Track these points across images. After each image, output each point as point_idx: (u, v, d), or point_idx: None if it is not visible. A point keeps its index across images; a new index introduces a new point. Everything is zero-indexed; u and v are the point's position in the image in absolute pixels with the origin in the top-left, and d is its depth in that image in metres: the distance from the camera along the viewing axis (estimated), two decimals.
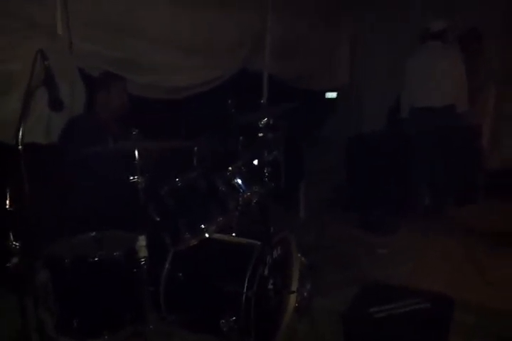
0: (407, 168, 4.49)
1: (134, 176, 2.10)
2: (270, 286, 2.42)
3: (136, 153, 2.08)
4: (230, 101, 2.74)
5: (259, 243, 2.38)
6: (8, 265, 1.97)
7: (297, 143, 4.40)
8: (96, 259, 2.24)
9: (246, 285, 2.21)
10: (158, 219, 2.32)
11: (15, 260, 1.97)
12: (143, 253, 2.15)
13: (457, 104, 4.21)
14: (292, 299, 2.64)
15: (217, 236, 2.49)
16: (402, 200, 4.46)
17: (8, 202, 1.94)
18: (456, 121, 4.25)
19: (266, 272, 2.34)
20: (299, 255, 2.80)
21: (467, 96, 4.23)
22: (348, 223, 4.30)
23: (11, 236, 1.97)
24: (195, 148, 2.61)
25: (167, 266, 2.43)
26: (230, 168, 2.48)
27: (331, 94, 6.25)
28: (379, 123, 5.25)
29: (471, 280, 3.15)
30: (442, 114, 4.21)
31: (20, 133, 1.84)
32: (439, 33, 4.22)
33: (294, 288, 2.65)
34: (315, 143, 5.15)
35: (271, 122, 2.87)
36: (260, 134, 2.83)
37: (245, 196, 2.46)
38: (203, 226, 2.31)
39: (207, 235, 2.38)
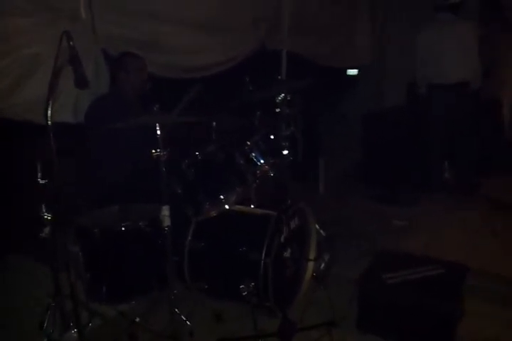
0: (426, 143, 4.49)
1: (156, 150, 2.21)
2: (288, 255, 2.53)
3: (158, 127, 2.18)
4: (247, 79, 2.81)
5: (276, 213, 2.48)
6: (41, 235, 2.12)
7: (316, 119, 4.44)
8: (122, 229, 2.38)
9: (264, 252, 2.33)
10: (179, 191, 2.44)
11: (47, 230, 2.13)
12: (166, 222, 2.26)
13: (471, 80, 4.13)
14: (310, 267, 2.75)
15: (236, 207, 2.61)
16: (420, 174, 4.49)
17: (39, 175, 2.08)
18: (472, 95, 4.19)
19: (283, 241, 2.45)
20: (317, 226, 2.89)
21: (481, 72, 4.14)
22: (366, 197, 4.36)
23: (43, 208, 2.11)
24: (214, 123, 2.70)
25: (190, 235, 2.57)
26: (247, 143, 2.58)
27: (352, 71, 6.23)
28: (399, 99, 5.24)
29: (489, 250, 3.19)
30: (457, 89, 4.15)
31: (49, 111, 1.96)
32: (456, 5, 4.09)
33: (311, 257, 2.76)
34: (335, 120, 5.18)
35: (288, 98, 2.94)
36: (277, 110, 2.90)
37: (263, 169, 2.57)
38: (222, 197, 2.42)
39: (227, 206, 2.50)
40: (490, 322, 2.37)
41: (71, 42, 1.97)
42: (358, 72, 6.08)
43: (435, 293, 2.24)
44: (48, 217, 2.12)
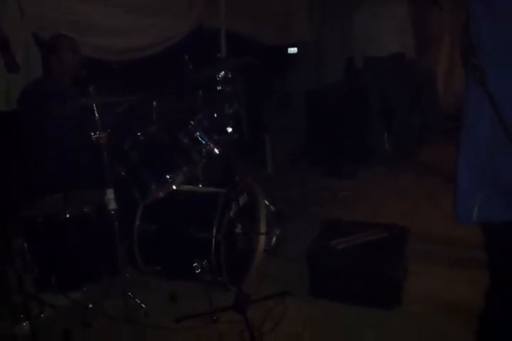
0: (366, 115, 4.63)
1: (95, 132, 2.15)
2: (239, 230, 2.56)
3: (95, 108, 2.12)
4: (186, 57, 2.77)
5: (224, 191, 2.50)
6: None
7: (260, 97, 4.46)
8: (67, 216, 2.33)
9: (215, 229, 2.34)
10: (123, 173, 2.39)
11: None
12: (112, 205, 2.22)
13: (406, 52, 4.36)
14: (261, 242, 2.79)
15: (184, 187, 2.60)
16: (361, 146, 4.65)
17: None
18: (408, 68, 4.38)
19: (233, 217, 2.47)
20: (266, 202, 2.94)
21: (415, 44, 4.37)
22: (312, 173, 4.49)
23: None
24: (154, 103, 2.65)
25: (138, 219, 2.53)
26: (191, 122, 2.55)
27: (292, 50, 6.26)
28: (339, 75, 5.34)
29: (429, 214, 3.37)
30: (392, 62, 4.35)
31: None
32: None
33: (262, 230, 2.80)
34: (279, 98, 5.22)
35: (229, 75, 2.92)
36: (219, 88, 2.88)
37: (208, 147, 2.56)
38: (168, 177, 2.40)
39: (174, 187, 2.48)
40: (434, 281, 2.48)
41: None
42: (298, 50, 6.12)
43: (380, 255, 2.35)
44: None
